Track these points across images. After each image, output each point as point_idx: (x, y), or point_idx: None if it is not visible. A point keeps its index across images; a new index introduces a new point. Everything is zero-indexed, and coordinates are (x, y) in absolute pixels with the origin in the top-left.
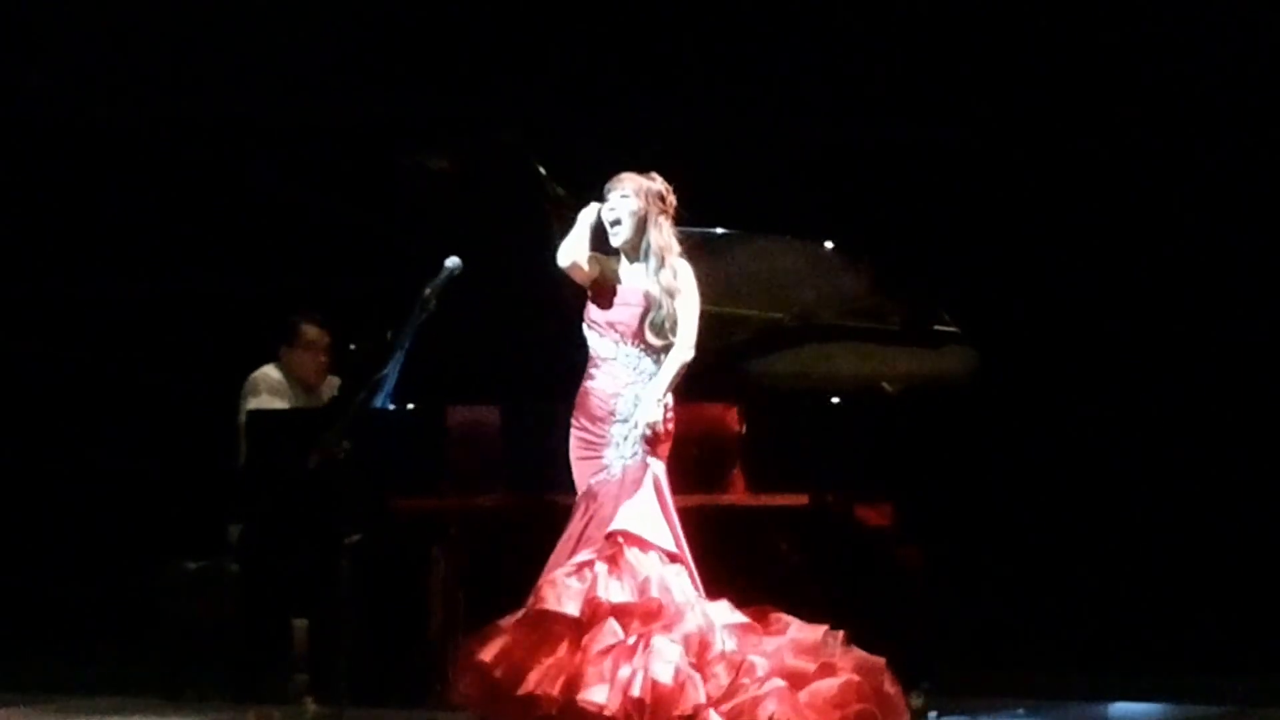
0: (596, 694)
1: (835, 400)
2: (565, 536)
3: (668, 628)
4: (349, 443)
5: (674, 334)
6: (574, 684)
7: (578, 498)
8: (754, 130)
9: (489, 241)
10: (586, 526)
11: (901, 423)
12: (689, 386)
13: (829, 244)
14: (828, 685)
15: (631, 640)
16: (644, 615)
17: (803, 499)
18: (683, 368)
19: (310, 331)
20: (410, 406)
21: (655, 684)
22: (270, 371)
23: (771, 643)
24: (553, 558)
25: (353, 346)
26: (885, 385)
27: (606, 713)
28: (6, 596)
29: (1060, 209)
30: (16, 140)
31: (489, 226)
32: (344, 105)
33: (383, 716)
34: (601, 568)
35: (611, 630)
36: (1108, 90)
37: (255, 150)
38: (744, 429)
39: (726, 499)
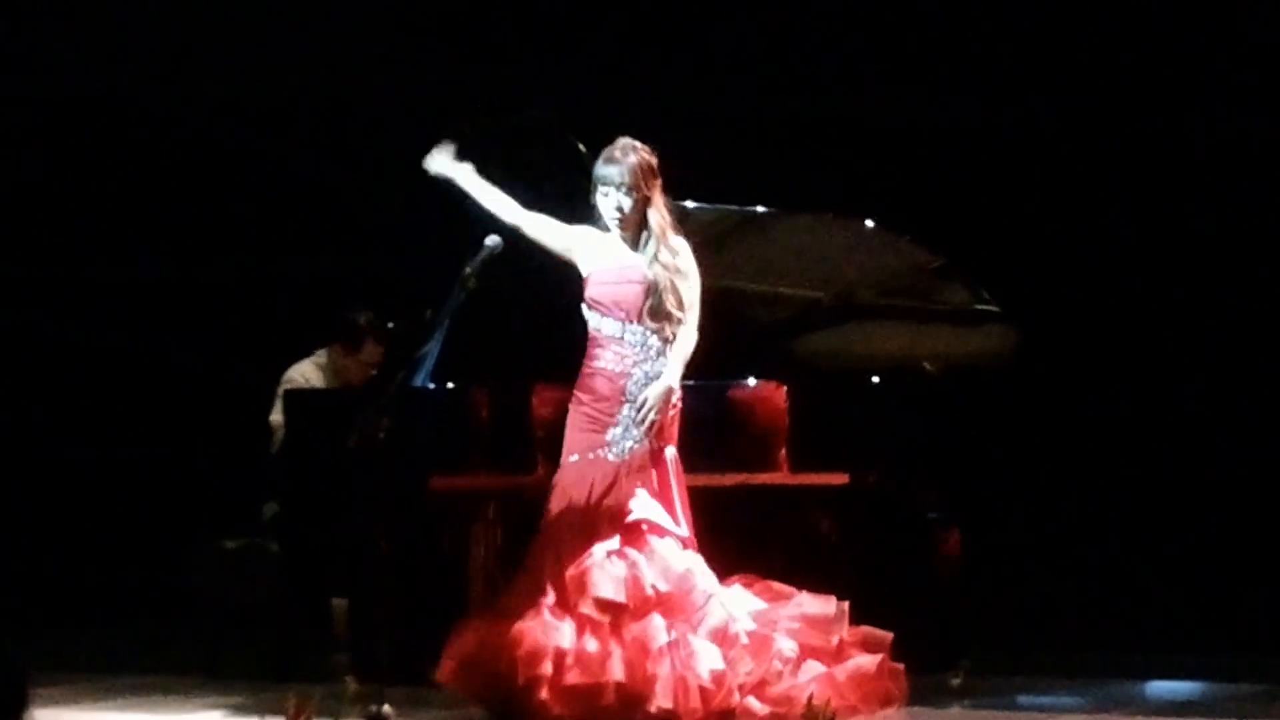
0: (663, 700)
1: (875, 379)
2: (563, 511)
3: (698, 623)
4: (388, 422)
5: (677, 315)
6: (632, 679)
7: (562, 469)
8: (794, 107)
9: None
10: (595, 509)
11: (942, 401)
12: (730, 366)
13: (870, 222)
14: (868, 662)
15: (674, 636)
16: (678, 607)
17: (843, 478)
18: (688, 355)
19: (371, 348)
20: (450, 385)
21: (702, 688)
22: (309, 372)
23: (784, 616)
24: (548, 539)
25: (391, 325)
26: (926, 364)
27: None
28: (47, 577)
29: (1105, 185)
30: (63, 123)
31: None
32: (384, 84)
33: (423, 695)
34: (639, 556)
35: (659, 626)
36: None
37: (295, 131)
38: (785, 408)
39: (767, 478)
